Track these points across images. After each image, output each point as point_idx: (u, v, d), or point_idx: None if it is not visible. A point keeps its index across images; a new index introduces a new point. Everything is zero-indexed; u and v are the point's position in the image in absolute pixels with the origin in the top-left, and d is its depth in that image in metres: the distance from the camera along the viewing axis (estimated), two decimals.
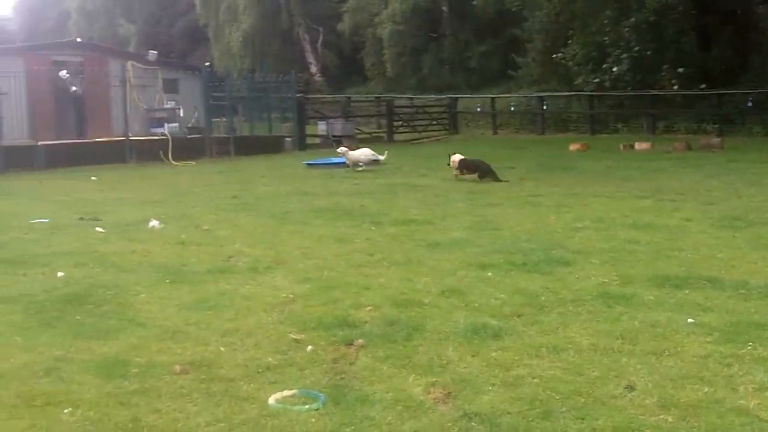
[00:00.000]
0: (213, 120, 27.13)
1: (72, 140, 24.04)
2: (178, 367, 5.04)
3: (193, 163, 22.81)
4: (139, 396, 4.63)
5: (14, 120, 22.73)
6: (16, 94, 23.16)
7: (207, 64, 33.23)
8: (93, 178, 18.76)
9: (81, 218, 11.73)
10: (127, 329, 5.93)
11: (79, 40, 30.93)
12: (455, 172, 16.67)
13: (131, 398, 4.60)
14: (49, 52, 26.38)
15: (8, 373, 5.05)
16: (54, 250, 9.15)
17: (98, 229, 10.63)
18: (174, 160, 23.04)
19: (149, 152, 23.38)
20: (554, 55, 32.50)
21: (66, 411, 4.44)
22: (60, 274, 7.80)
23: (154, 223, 10.86)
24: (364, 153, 19.63)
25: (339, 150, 19.78)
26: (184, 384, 4.79)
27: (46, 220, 11.55)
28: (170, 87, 27.90)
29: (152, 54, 28.12)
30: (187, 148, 24.03)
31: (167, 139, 24.03)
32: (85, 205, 13.46)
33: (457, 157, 16.82)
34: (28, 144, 22.26)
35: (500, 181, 15.80)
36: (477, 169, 16.45)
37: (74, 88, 25.40)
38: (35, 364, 5.19)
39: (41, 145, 21.91)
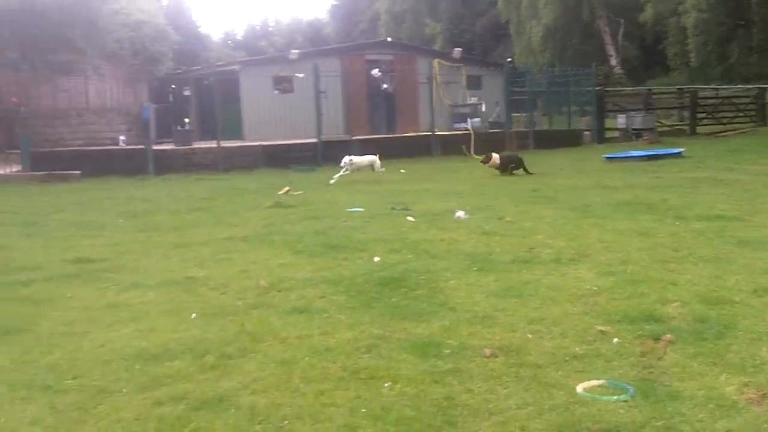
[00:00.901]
0: (513, 114, 27.49)
1: (383, 135, 25.46)
2: (488, 351, 5.24)
3: None
4: (452, 376, 4.85)
5: (331, 116, 24.52)
6: (333, 92, 24.96)
7: (508, 59, 33.74)
8: (402, 170, 19.80)
9: (393, 208, 12.46)
10: (439, 312, 6.23)
11: (389, 39, 32.57)
12: (495, 168, 17.92)
13: (445, 377, 4.83)
14: (363, 52, 27.99)
15: (335, 347, 5.49)
16: (370, 236, 9.78)
17: (409, 218, 11.23)
18: (475, 153, 23.66)
19: (452, 146, 24.25)
20: None
21: (386, 385, 4.74)
22: (376, 258, 8.33)
23: (459, 213, 11.29)
24: (370, 159, 18.64)
25: (343, 162, 18.20)
26: (494, 367, 4.97)
27: (361, 210, 12.39)
28: (473, 83, 28.63)
29: (457, 51, 28.92)
30: (488, 142, 24.58)
31: (470, 133, 24.73)
32: (395, 196, 14.30)
33: (496, 156, 18.34)
34: (344, 138, 23.78)
35: (530, 173, 17.66)
36: (513, 162, 18.22)
37: (385, 86, 26.89)
38: (358, 341, 5.59)
39: (355, 139, 23.40)
